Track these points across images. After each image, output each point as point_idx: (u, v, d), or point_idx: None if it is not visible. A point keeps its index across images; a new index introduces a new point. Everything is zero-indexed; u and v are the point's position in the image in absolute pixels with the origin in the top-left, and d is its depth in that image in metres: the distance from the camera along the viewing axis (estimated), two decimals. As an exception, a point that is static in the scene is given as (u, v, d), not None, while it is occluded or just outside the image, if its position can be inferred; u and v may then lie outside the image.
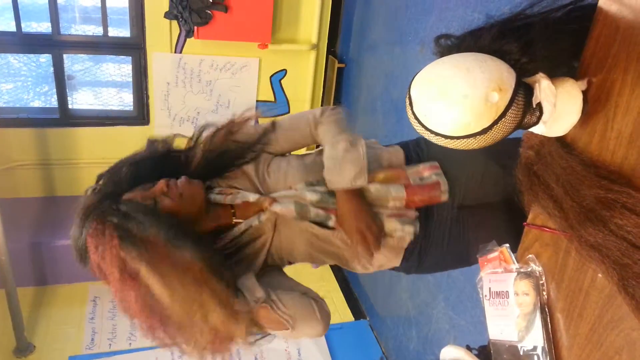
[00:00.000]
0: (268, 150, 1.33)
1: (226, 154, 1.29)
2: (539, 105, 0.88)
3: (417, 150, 1.38)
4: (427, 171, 1.31)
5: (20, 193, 3.80)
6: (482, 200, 1.35)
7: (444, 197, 1.30)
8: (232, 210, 1.25)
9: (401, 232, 1.29)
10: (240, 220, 1.24)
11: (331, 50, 4.07)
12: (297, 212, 1.23)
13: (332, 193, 1.26)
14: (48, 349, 3.20)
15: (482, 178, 1.34)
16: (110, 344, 3.25)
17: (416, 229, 1.30)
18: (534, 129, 0.95)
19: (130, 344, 3.26)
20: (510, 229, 1.19)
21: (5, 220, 2.88)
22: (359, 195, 1.24)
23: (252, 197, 1.25)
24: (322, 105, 4.19)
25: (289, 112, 4.11)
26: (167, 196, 1.16)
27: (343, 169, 1.22)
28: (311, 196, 1.24)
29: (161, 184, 1.18)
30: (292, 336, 1.22)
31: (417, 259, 1.34)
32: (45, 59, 3.87)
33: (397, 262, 1.33)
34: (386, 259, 1.32)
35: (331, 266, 3.87)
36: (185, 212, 1.17)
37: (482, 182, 1.34)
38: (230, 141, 1.29)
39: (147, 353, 3.16)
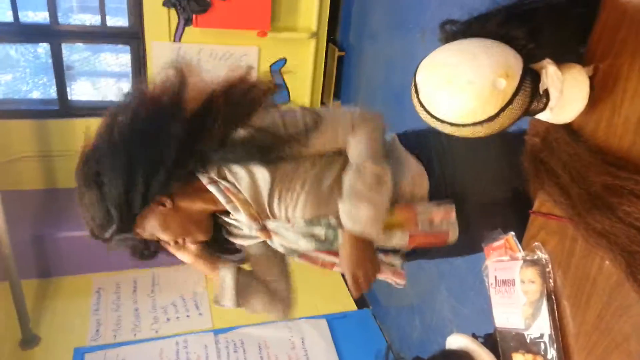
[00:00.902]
0: (298, 153, 1.18)
1: (250, 144, 1.15)
2: (546, 91, 0.87)
3: (442, 160, 1.27)
4: (439, 216, 1.22)
5: (22, 185, 3.80)
6: (492, 197, 1.29)
7: (451, 241, 1.25)
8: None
9: (392, 281, 1.30)
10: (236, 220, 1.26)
11: (331, 38, 4.04)
12: (286, 253, 1.29)
13: (334, 231, 1.19)
14: (53, 341, 3.21)
15: (497, 177, 1.27)
16: (115, 335, 3.26)
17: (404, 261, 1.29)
18: (540, 116, 0.94)
19: (135, 334, 3.28)
20: (523, 217, 1.16)
21: (7, 213, 2.87)
22: (366, 240, 1.16)
23: (247, 229, 1.23)
24: (322, 94, 4.17)
25: (289, 101, 4.09)
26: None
27: (359, 209, 1.12)
28: (305, 245, 1.21)
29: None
30: None
31: (418, 253, 1.31)
32: (42, 49, 3.85)
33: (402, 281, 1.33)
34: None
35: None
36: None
37: (495, 181, 1.27)
38: (257, 128, 1.15)
39: (152, 344, 3.18)
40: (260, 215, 1.20)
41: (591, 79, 0.93)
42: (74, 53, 3.98)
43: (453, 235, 1.23)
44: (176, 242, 1.26)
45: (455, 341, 1.20)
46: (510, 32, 0.85)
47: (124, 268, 3.70)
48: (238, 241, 1.31)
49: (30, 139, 3.70)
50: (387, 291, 3.45)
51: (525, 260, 1.08)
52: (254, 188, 1.17)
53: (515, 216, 1.19)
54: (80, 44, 3.90)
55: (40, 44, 3.83)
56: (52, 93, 3.75)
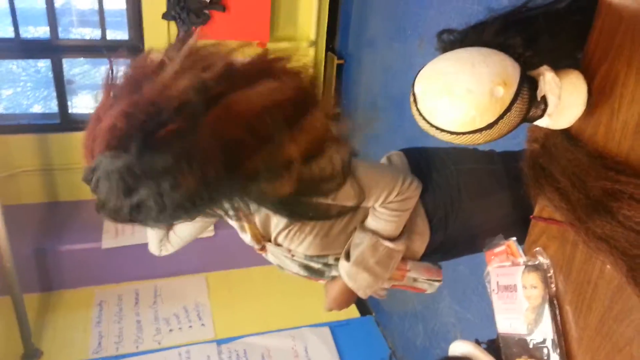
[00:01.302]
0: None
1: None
2: (544, 98, 0.88)
3: (449, 218, 1.25)
4: (425, 274, 1.29)
5: (23, 199, 3.80)
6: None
7: (429, 292, 1.33)
8: None
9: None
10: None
11: (330, 47, 4.06)
12: (279, 269, 1.29)
13: (328, 268, 1.23)
14: (56, 354, 3.20)
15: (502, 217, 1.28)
16: (117, 347, 3.25)
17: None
18: (539, 122, 0.95)
19: (137, 347, 3.27)
20: (524, 223, 1.17)
21: (9, 227, 2.87)
22: (354, 292, 1.25)
23: (253, 244, 1.23)
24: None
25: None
26: None
27: (361, 275, 1.18)
28: (297, 271, 1.25)
29: None
30: None
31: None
32: (43, 63, 3.87)
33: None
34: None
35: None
36: None
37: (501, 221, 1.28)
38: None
39: (155, 355, 3.17)
40: (264, 238, 1.22)
41: (589, 84, 0.94)
42: (75, 67, 4.01)
43: (431, 290, 1.32)
44: None
45: (459, 348, 1.20)
46: (508, 40, 0.86)
47: (125, 280, 3.70)
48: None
49: (31, 153, 3.71)
50: (390, 297, 3.44)
51: (526, 266, 1.09)
52: (268, 218, 1.18)
53: (516, 222, 1.20)
54: (82, 58, 3.94)
55: (41, 59, 3.85)
56: (53, 107, 3.77)
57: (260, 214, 1.17)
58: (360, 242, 1.18)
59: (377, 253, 1.17)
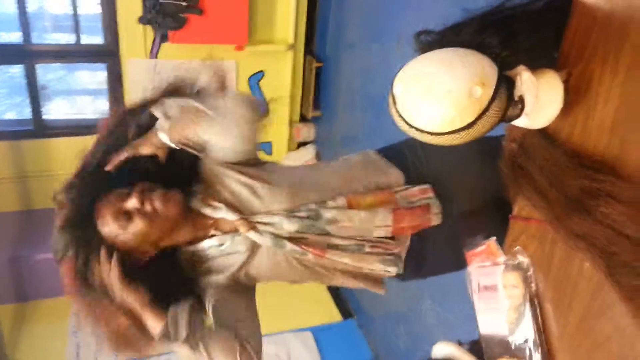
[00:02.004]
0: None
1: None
2: (521, 97, 0.88)
3: (416, 163, 1.30)
4: (418, 195, 1.24)
5: (-3, 207, 3.72)
6: (475, 206, 1.30)
7: (436, 221, 1.24)
8: (211, 222, 1.19)
9: (382, 272, 1.25)
10: (216, 233, 1.20)
11: (308, 50, 4.05)
12: (273, 245, 1.18)
13: (316, 217, 1.19)
14: (32, 365, 3.14)
15: (477, 185, 1.28)
16: (96, 358, 3.19)
17: (399, 269, 1.25)
18: (517, 122, 0.95)
19: (116, 356, 3.21)
20: (504, 222, 1.17)
21: (-18, 236, 2.81)
22: None
23: (231, 216, 1.17)
24: (301, 105, 4.18)
25: (268, 112, 4.07)
26: (140, 214, 1.11)
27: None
28: (289, 226, 1.18)
29: (134, 199, 1.11)
30: None
31: (410, 270, 1.30)
32: (17, 69, 3.79)
33: (380, 290, 1.31)
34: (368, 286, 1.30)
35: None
36: (157, 230, 1.13)
37: (475, 189, 1.28)
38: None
39: (135, 364, 3.12)
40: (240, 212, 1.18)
41: (565, 83, 0.95)
42: (49, 72, 3.94)
43: (435, 207, 1.24)
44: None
45: (441, 350, 1.20)
46: (485, 40, 0.87)
47: (104, 288, 3.64)
48: (208, 277, 1.22)
49: (5, 160, 3.63)
50: (372, 300, 3.44)
51: (506, 265, 1.09)
52: (234, 195, 1.19)
53: (496, 222, 1.20)
54: (56, 64, 3.87)
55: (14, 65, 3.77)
56: (27, 113, 3.69)
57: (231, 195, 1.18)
58: None
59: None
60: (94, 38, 3.82)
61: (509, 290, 1.08)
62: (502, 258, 1.12)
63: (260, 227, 1.18)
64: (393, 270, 1.24)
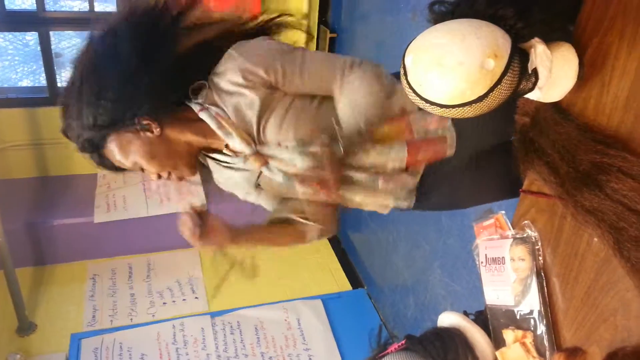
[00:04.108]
0: (280, 87, 1.17)
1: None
2: (535, 70, 0.87)
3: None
4: (434, 124, 1.19)
5: (14, 174, 3.77)
6: (485, 146, 1.26)
7: (450, 151, 1.20)
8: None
9: (394, 204, 1.24)
10: (228, 153, 1.21)
11: (322, 20, 4.00)
12: (284, 182, 1.19)
13: (325, 146, 1.15)
14: (50, 327, 3.23)
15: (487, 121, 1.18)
16: (111, 320, 3.28)
17: (410, 204, 1.24)
18: (530, 95, 0.94)
19: (131, 319, 3.30)
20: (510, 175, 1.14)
21: (0, 202, 2.87)
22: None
23: (243, 148, 1.16)
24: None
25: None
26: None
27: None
28: (301, 163, 1.15)
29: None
30: None
31: (420, 198, 1.27)
32: (31, 37, 3.80)
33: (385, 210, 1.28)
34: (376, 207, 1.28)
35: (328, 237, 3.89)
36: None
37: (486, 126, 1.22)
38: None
39: (149, 328, 3.20)
40: (253, 141, 1.17)
41: (580, 57, 0.93)
42: (64, 40, 3.94)
43: (451, 138, 1.20)
44: (159, 176, 1.22)
45: (447, 319, 1.22)
46: (499, 11, 0.85)
47: (118, 254, 3.71)
48: (233, 190, 1.26)
49: (20, 127, 3.67)
50: (382, 271, 3.48)
51: (515, 238, 1.10)
52: (242, 112, 1.15)
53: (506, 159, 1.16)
54: (70, 31, 3.87)
55: (28, 32, 3.79)
56: (42, 81, 3.71)
57: (236, 115, 1.15)
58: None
59: (371, 87, 1.15)
60: (108, 5, 3.81)
61: (516, 263, 1.09)
62: (510, 231, 1.12)
63: (272, 163, 1.17)
64: (404, 205, 1.23)
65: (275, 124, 1.15)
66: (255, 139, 1.17)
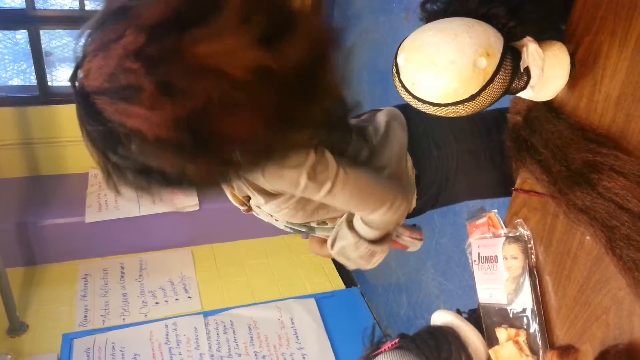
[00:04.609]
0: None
1: None
2: (527, 69, 0.87)
3: (444, 184, 1.21)
4: (407, 235, 1.28)
5: (4, 173, 3.74)
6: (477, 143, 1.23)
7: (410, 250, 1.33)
8: None
9: None
10: None
11: (315, 19, 4.00)
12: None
13: (310, 229, 1.23)
14: (41, 328, 3.20)
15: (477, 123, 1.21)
16: (103, 320, 3.26)
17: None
18: (522, 94, 0.95)
19: (124, 319, 3.28)
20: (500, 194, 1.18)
21: (-11, 201, 2.84)
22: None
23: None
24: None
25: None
26: None
27: (342, 260, 1.21)
28: (285, 229, 1.23)
29: None
30: None
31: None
32: (21, 35, 3.77)
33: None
34: None
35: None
36: None
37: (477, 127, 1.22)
38: None
39: (141, 327, 3.19)
40: (248, 201, 1.16)
41: (572, 56, 0.94)
42: (54, 39, 3.91)
43: (413, 248, 1.31)
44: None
45: (440, 317, 1.22)
46: (491, 10, 0.85)
47: (110, 254, 3.69)
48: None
49: (10, 126, 3.63)
50: (375, 270, 3.48)
51: (507, 237, 1.10)
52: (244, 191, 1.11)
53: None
54: (61, 30, 3.84)
55: (18, 30, 3.75)
56: (32, 79, 3.68)
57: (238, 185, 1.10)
58: (344, 238, 1.15)
59: (358, 251, 1.15)
60: (99, 4, 3.78)
61: (509, 262, 1.09)
62: (503, 230, 1.13)
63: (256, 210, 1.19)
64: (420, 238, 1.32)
65: (271, 209, 1.11)
66: (249, 206, 1.17)
